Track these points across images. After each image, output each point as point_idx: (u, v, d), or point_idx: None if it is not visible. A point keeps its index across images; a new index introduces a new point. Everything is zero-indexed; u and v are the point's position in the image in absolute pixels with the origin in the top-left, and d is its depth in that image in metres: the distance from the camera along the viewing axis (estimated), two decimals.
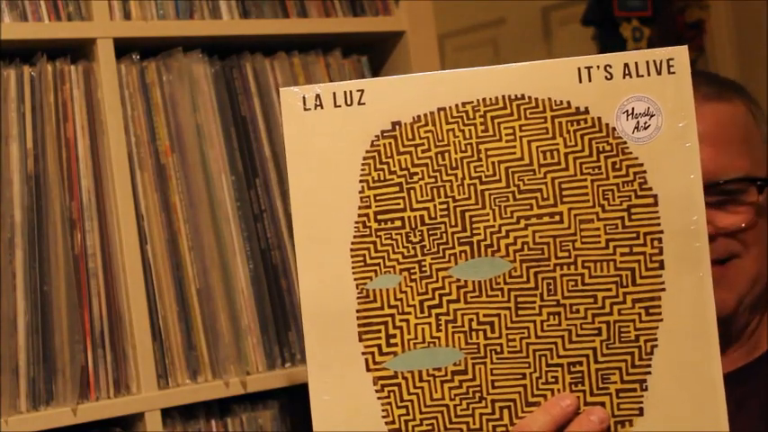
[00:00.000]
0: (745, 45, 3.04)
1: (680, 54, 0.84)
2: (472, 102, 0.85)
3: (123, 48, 1.57)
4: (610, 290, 0.84)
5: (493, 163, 0.85)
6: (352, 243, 0.86)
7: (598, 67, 0.85)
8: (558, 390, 0.85)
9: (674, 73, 0.84)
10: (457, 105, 0.85)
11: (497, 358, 0.85)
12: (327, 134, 0.86)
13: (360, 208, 0.86)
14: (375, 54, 1.80)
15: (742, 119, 1.16)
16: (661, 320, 0.84)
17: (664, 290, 0.84)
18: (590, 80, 0.85)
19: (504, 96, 0.85)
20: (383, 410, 0.86)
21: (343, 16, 1.73)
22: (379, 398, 0.86)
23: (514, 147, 0.85)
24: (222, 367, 1.57)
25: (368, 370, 0.86)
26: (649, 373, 0.84)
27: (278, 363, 1.62)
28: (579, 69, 0.85)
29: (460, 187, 0.85)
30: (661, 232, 0.85)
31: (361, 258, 0.86)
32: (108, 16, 1.56)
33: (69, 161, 1.52)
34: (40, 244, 1.48)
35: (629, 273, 0.84)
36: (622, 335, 0.84)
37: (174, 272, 1.57)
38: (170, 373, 1.55)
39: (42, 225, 1.49)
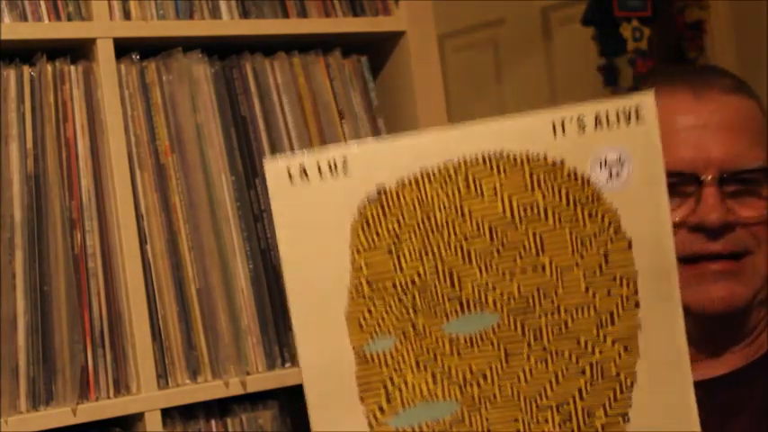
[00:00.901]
0: (745, 45, 3.04)
1: (647, 102, 0.86)
2: (453, 161, 0.87)
3: (123, 48, 1.57)
4: (591, 332, 0.87)
5: (476, 221, 0.87)
6: (347, 310, 0.88)
7: (571, 119, 0.87)
8: (549, 430, 0.88)
9: (642, 121, 0.86)
10: (438, 166, 0.87)
11: (491, 406, 0.87)
12: (315, 205, 0.87)
13: (351, 275, 0.87)
14: (375, 54, 1.80)
15: (758, 114, 1.19)
16: (638, 356, 0.87)
17: (640, 327, 0.87)
18: (564, 133, 0.87)
19: (483, 154, 0.87)
20: None
21: (343, 16, 1.73)
22: None
23: (496, 203, 0.87)
24: (222, 367, 1.57)
25: (370, 430, 0.88)
26: (630, 405, 0.88)
27: (278, 363, 1.62)
28: (554, 123, 0.87)
29: (447, 248, 0.87)
30: (636, 273, 0.87)
31: (357, 324, 0.88)
32: (108, 16, 1.56)
33: (69, 161, 1.52)
34: (40, 244, 1.48)
35: (608, 314, 0.87)
36: (604, 373, 0.88)
37: (174, 272, 1.57)
38: (170, 373, 1.55)
39: (42, 225, 1.49)
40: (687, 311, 1.16)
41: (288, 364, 1.62)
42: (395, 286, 0.87)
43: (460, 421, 0.88)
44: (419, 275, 0.87)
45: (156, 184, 1.57)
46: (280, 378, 1.61)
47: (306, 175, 0.87)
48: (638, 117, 0.86)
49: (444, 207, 0.87)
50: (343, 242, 0.87)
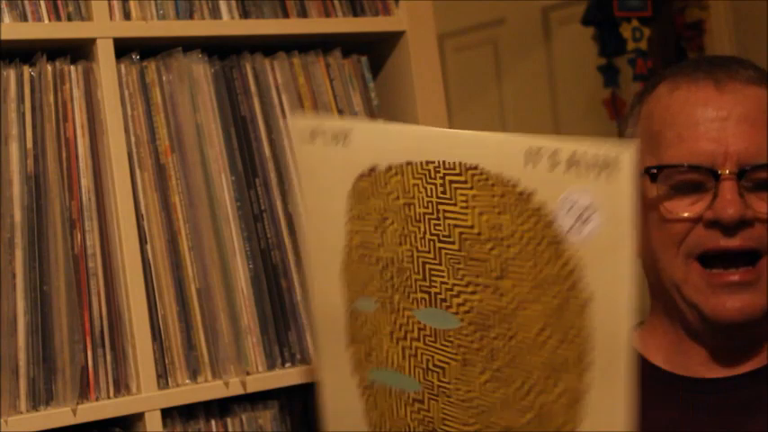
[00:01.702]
0: (745, 45, 3.04)
1: (626, 158, 0.79)
2: (434, 162, 0.88)
3: (123, 48, 1.57)
4: (543, 372, 0.86)
5: (449, 225, 0.88)
6: (341, 268, 0.93)
7: (546, 151, 0.82)
8: None
9: (616, 177, 0.79)
10: (422, 163, 0.89)
11: (447, 401, 0.90)
12: (323, 166, 0.92)
13: (346, 238, 0.92)
14: (375, 54, 1.80)
15: None
16: (586, 415, 0.84)
17: (590, 387, 0.84)
18: (534, 166, 0.83)
19: (460, 163, 0.87)
20: (364, 413, 0.94)
21: (343, 16, 1.73)
22: (360, 400, 0.95)
23: (467, 214, 0.87)
24: (222, 367, 1.57)
25: (352, 374, 0.95)
26: None
27: (278, 363, 1.62)
28: (527, 151, 0.83)
29: (422, 240, 0.89)
30: (593, 329, 0.83)
31: (347, 282, 0.93)
32: (108, 16, 1.56)
33: (69, 161, 1.52)
34: (40, 244, 1.48)
35: (562, 361, 0.85)
36: (553, 419, 0.86)
37: (174, 272, 1.57)
38: (170, 373, 1.55)
39: (42, 225, 1.49)
40: (703, 319, 1.17)
41: (288, 364, 1.62)
42: (378, 260, 0.91)
43: (421, 401, 0.91)
44: (398, 257, 0.91)
45: (156, 184, 1.57)
46: (280, 378, 1.61)
47: (317, 136, 0.91)
48: (614, 170, 0.79)
49: (423, 202, 0.89)
50: (341, 206, 0.92)
